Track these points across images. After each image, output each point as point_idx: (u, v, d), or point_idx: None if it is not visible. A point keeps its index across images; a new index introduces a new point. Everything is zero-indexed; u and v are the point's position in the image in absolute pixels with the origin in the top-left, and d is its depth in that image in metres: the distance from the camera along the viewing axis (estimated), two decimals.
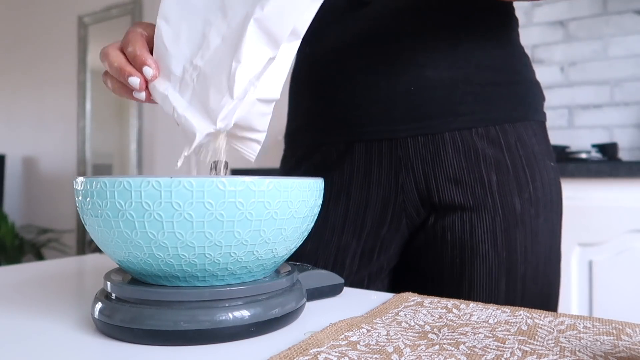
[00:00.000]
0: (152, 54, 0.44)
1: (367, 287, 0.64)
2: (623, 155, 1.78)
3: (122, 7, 3.06)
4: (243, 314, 0.33)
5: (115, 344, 0.33)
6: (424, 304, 0.42)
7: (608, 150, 1.61)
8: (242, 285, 0.35)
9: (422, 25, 0.58)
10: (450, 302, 0.42)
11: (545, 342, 0.32)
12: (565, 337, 0.33)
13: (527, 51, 0.77)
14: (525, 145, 0.59)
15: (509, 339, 0.33)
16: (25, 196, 3.65)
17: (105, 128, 3.24)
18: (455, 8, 0.59)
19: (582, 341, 0.33)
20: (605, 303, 1.35)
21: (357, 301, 0.45)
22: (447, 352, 0.30)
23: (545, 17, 1.94)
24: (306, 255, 0.64)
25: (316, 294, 0.44)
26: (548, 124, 0.65)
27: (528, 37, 1.95)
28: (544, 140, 0.62)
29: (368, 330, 0.34)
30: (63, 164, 3.39)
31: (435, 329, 0.35)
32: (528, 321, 0.37)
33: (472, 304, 0.41)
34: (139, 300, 0.34)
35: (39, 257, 3.19)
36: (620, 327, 0.36)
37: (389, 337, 0.33)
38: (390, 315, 0.38)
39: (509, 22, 0.63)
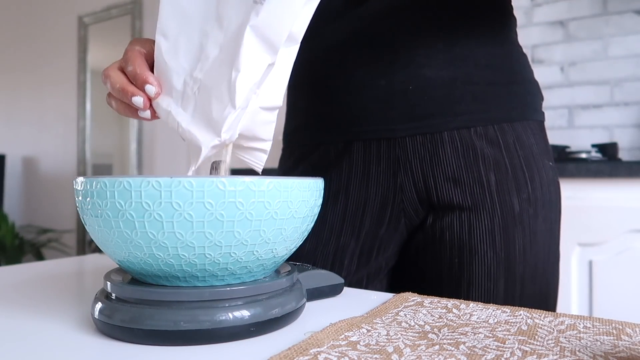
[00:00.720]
0: (152, 70, 0.44)
1: (366, 287, 0.64)
2: (623, 155, 1.78)
3: (122, 7, 3.06)
4: (243, 314, 0.33)
5: (115, 344, 0.33)
6: (424, 304, 0.42)
7: (608, 150, 1.61)
8: (242, 285, 0.35)
9: (420, 24, 0.58)
10: (450, 302, 0.42)
11: (545, 342, 0.32)
12: (565, 337, 0.33)
13: (527, 51, 0.77)
14: (523, 145, 0.59)
15: (509, 339, 0.33)
16: (25, 196, 3.65)
17: (105, 128, 3.24)
18: (453, 6, 0.59)
19: (582, 341, 0.33)
20: (605, 303, 1.35)
21: (357, 301, 0.45)
22: (447, 352, 0.30)
23: (545, 17, 1.94)
24: (305, 255, 0.64)
25: (316, 294, 0.44)
26: (548, 124, 0.65)
27: (528, 37, 1.94)
28: (542, 140, 0.62)
29: (368, 330, 0.34)
30: (63, 164, 3.39)
31: (435, 329, 0.35)
32: (528, 321, 0.37)
33: (472, 304, 0.41)
34: (139, 300, 0.34)
35: (39, 257, 3.19)
36: (620, 327, 0.36)
37: (389, 337, 0.33)
38: (390, 315, 0.38)
39: (507, 21, 0.63)
